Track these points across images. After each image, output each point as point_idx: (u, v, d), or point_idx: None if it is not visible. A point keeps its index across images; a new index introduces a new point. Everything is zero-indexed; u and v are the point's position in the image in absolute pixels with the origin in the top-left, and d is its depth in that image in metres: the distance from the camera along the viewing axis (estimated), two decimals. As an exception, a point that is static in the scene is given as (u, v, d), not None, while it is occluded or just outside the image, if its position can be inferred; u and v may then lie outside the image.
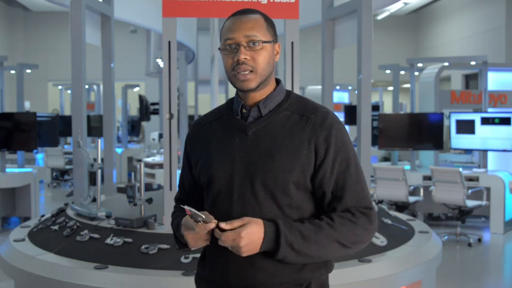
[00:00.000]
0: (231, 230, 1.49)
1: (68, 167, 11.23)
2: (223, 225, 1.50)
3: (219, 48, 1.64)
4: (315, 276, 1.65)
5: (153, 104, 12.59)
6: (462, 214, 6.69)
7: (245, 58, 1.59)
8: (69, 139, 13.24)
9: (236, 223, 1.50)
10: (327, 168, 1.60)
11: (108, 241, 3.03)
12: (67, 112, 12.46)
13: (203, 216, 1.51)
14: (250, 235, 1.49)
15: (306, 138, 1.61)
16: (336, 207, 1.61)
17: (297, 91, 3.31)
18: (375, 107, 10.83)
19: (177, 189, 1.89)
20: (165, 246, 2.91)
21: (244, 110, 1.68)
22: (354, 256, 2.91)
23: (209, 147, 1.69)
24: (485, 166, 7.65)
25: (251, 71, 1.60)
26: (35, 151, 10.53)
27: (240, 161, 1.62)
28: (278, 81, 1.72)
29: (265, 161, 1.60)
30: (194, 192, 1.77)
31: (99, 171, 3.50)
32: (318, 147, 1.60)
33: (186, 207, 1.52)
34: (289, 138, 1.61)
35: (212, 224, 1.51)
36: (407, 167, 7.77)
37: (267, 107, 1.67)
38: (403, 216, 3.96)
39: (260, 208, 1.59)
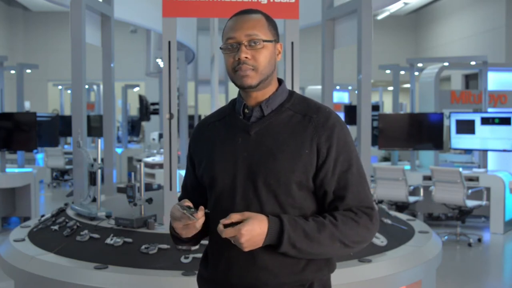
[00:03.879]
0: (233, 224, 1.50)
1: (68, 167, 11.23)
2: (223, 221, 1.51)
3: (220, 47, 1.64)
4: (318, 276, 1.65)
5: (153, 104, 12.59)
6: (462, 214, 6.69)
7: (246, 57, 1.59)
8: (69, 139, 13.24)
9: (235, 216, 1.51)
10: (328, 167, 1.60)
11: (108, 241, 3.03)
12: (67, 112, 12.46)
13: (192, 209, 1.57)
14: (251, 231, 1.49)
15: (308, 138, 1.60)
16: (338, 206, 1.61)
17: (297, 91, 3.30)
18: (375, 107, 10.83)
19: (178, 190, 1.89)
20: (165, 246, 2.90)
21: (246, 110, 1.68)
22: (354, 256, 2.90)
23: (212, 148, 1.69)
24: (485, 166, 7.64)
25: (252, 69, 1.60)
26: (35, 151, 10.52)
27: (243, 161, 1.62)
28: (280, 81, 1.72)
29: (267, 161, 1.60)
30: (196, 193, 1.77)
31: (99, 171, 3.50)
32: (320, 147, 1.60)
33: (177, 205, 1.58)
34: (292, 138, 1.61)
35: (200, 213, 1.56)
36: (407, 167, 7.76)
37: (269, 106, 1.66)
38: (403, 216, 3.96)
39: (262, 208, 1.58)
